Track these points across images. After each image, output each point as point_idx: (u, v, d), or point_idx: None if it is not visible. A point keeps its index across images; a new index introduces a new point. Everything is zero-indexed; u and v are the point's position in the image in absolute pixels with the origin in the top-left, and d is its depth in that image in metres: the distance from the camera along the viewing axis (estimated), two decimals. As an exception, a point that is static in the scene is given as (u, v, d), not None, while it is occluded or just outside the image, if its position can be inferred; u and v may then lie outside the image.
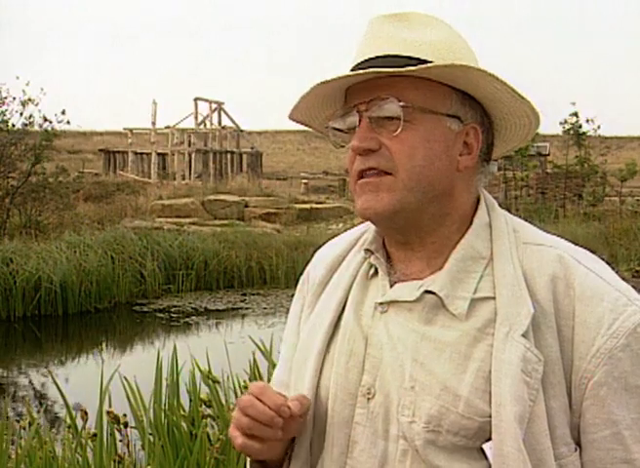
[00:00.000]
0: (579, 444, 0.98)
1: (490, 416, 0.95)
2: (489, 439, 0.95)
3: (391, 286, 1.06)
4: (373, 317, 1.06)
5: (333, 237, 1.27)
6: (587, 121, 21.23)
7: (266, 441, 1.00)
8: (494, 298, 1.00)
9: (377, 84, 1.01)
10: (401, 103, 1.00)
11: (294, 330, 1.20)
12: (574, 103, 21.44)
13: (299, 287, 1.24)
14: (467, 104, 1.04)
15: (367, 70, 0.99)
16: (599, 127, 21.36)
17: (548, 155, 26.84)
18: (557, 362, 0.97)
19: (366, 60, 1.03)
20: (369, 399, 1.03)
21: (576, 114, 21.18)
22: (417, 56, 1.01)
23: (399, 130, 1.00)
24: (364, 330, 1.06)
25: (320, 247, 1.28)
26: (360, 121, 1.03)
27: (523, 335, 0.96)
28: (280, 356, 1.22)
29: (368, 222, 1.19)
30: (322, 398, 1.07)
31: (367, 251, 1.11)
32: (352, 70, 1.04)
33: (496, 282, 1.01)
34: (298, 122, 1.14)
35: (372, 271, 1.10)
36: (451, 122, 1.03)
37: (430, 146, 1.01)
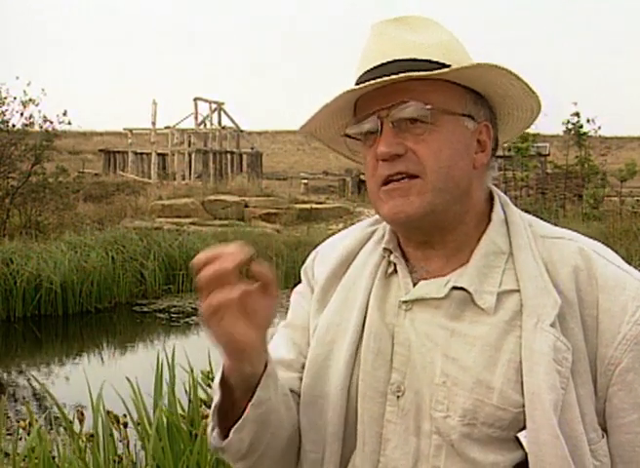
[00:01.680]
0: (604, 429, 1.01)
1: (523, 406, 0.97)
2: (522, 428, 0.97)
3: (414, 283, 1.08)
4: (397, 315, 1.07)
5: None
6: (588, 121, 21.23)
7: (229, 294, 0.93)
8: (518, 291, 1.02)
9: (395, 89, 1.02)
10: (428, 106, 1.01)
11: (300, 313, 1.19)
12: (575, 103, 21.44)
13: (303, 274, 1.24)
14: (479, 103, 1.07)
15: (401, 75, 0.99)
16: (600, 127, 21.36)
17: (548, 155, 26.84)
18: (582, 350, 1.00)
19: (378, 66, 1.04)
20: (399, 396, 1.04)
21: (577, 114, 21.18)
22: (427, 58, 1.03)
23: (425, 132, 1.02)
24: (389, 328, 1.07)
25: (316, 245, 1.28)
26: (382, 127, 1.03)
27: (551, 325, 0.98)
28: (280, 334, 1.20)
29: (371, 220, 1.21)
30: (351, 396, 1.07)
31: (385, 249, 1.12)
32: (362, 76, 1.05)
33: (518, 275, 1.03)
34: (307, 134, 1.15)
35: (390, 269, 1.11)
36: (467, 121, 1.05)
37: (454, 147, 1.03)
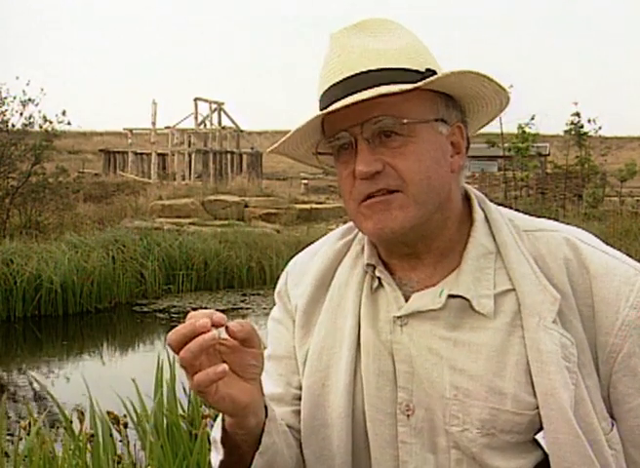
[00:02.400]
0: (612, 417, 1.00)
1: (537, 408, 0.96)
2: (538, 429, 0.96)
3: (405, 296, 1.04)
4: (393, 331, 1.04)
5: None
6: (589, 121, 21.22)
7: (210, 358, 0.90)
8: (513, 290, 1.01)
9: (367, 104, 0.97)
10: (404, 120, 0.98)
11: (282, 343, 1.15)
12: (576, 103, 21.43)
13: (277, 296, 1.19)
14: (451, 105, 1.04)
15: (371, 92, 0.95)
16: (600, 127, 21.35)
17: (548, 155, 26.82)
18: (583, 341, 0.99)
19: (345, 79, 0.99)
20: (409, 415, 1.01)
21: (577, 114, 21.17)
22: (395, 65, 0.99)
23: (402, 145, 0.99)
24: (387, 345, 1.04)
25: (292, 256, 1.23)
26: (357, 144, 1.00)
27: (553, 322, 0.97)
28: (267, 368, 1.12)
29: (338, 232, 1.17)
30: (356, 421, 1.04)
31: (368, 265, 1.08)
32: (329, 91, 1.01)
33: (510, 273, 1.01)
34: (278, 154, 1.11)
35: (375, 284, 1.08)
36: (441, 126, 1.02)
37: (431, 155, 1.01)
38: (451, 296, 1.01)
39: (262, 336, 1.18)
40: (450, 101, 1.04)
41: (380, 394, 1.03)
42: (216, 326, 0.90)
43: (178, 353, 0.89)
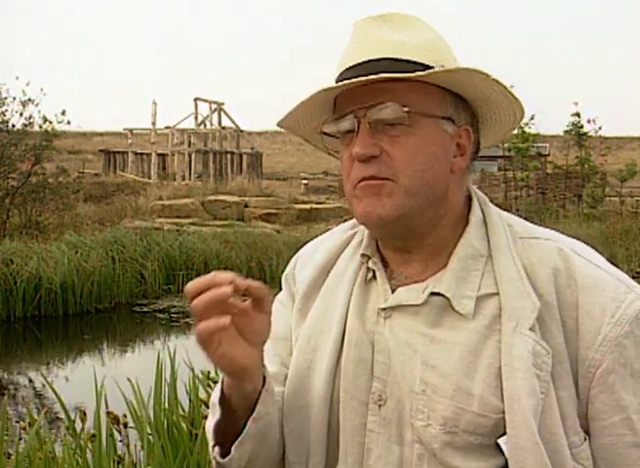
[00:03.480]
0: (586, 432, 0.99)
1: (503, 412, 0.96)
2: (502, 434, 0.96)
3: (392, 290, 1.06)
4: (377, 322, 1.05)
5: None
6: (589, 121, 21.23)
7: (221, 314, 0.92)
8: (497, 294, 1.01)
9: (374, 88, 0.99)
10: (405, 109, 0.99)
11: (281, 324, 1.17)
12: (576, 103, 21.44)
13: (284, 281, 1.23)
14: (460, 106, 1.04)
15: (378, 75, 0.96)
16: (600, 128, 21.37)
17: (548, 155, 26.83)
18: (563, 353, 0.98)
19: (358, 64, 1.01)
20: (380, 405, 1.02)
21: (577, 114, 21.18)
22: (409, 58, 1.00)
23: (402, 134, 1.00)
24: (369, 335, 1.05)
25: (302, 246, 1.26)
26: (359, 127, 1.01)
27: (530, 329, 0.97)
28: (265, 347, 1.18)
29: (351, 223, 1.19)
30: (333, 406, 1.06)
31: (363, 255, 1.10)
32: (342, 74, 1.02)
33: (497, 278, 1.01)
34: (286, 129, 1.12)
35: (370, 275, 1.09)
36: (446, 125, 1.02)
37: (430, 150, 1.01)
38: (433, 294, 1.02)
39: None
40: (460, 102, 1.04)
41: (355, 382, 1.05)
42: (236, 288, 0.93)
43: (191, 301, 0.92)
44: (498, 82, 1.00)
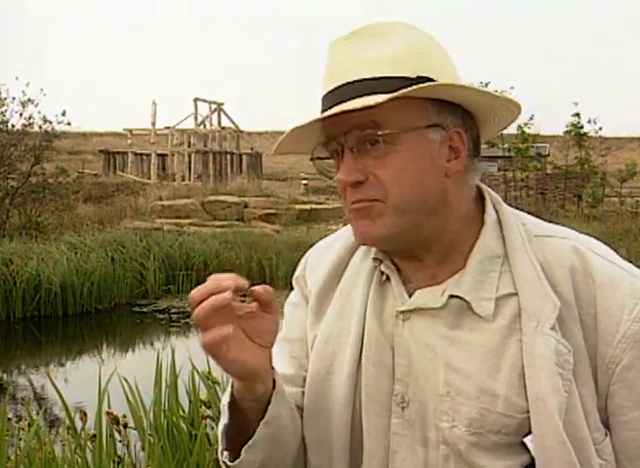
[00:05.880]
0: (607, 427, 1.00)
1: (528, 411, 0.96)
2: (528, 432, 0.97)
3: (409, 292, 1.06)
4: (396, 325, 1.05)
5: None
6: (589, 122, 21.24)
7: (226, 319, 0.91)
8: (515, 294, 1.01)
9: (349, 113, 0.97)
10: (379, 132, 0.98)
11: (297, 326, 1.17)
12: (576, 103, 21.44)
13: (296, 283, 1.22)
14: (446, 111, 1.02)
15: (340, 108, 0.96)
16: (601, 128, 21.38)
17: (548, 156, 26.84)
18: (582, 350, 0.99)
19: (336, 89, 1.01)
20: (403, 407, 1.03)
21: (577, 114, 21.18)
22: (385, 74, 0.98)
23: (385, 154, 0.99)
24: (388, 338, 1.06)
25: (312, 245, 1.26)
26: (342, 153, 1.01)
27: (552, 328, 0.97)
28: (278, 349, 1.15)
29: None
30: (356, 409, 1.06)
31: (375, 259, 1.10)
32: (323, 99, 1.03)
33: (515, 278, 1.02)
34: (286, 153, 1.12)
35: (384, 278, 1.10)
36: (432, 133, 1.01)
37: (417, 164, 1.00)
38: (452, 296, 1.02)
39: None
40: (446, 107, 1.02)
41: (377, 384, 1.05)
42: (239, 288, 0.92)
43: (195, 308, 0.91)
44: (479, 90, 0.99)
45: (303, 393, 1.12)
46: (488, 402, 0.98)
